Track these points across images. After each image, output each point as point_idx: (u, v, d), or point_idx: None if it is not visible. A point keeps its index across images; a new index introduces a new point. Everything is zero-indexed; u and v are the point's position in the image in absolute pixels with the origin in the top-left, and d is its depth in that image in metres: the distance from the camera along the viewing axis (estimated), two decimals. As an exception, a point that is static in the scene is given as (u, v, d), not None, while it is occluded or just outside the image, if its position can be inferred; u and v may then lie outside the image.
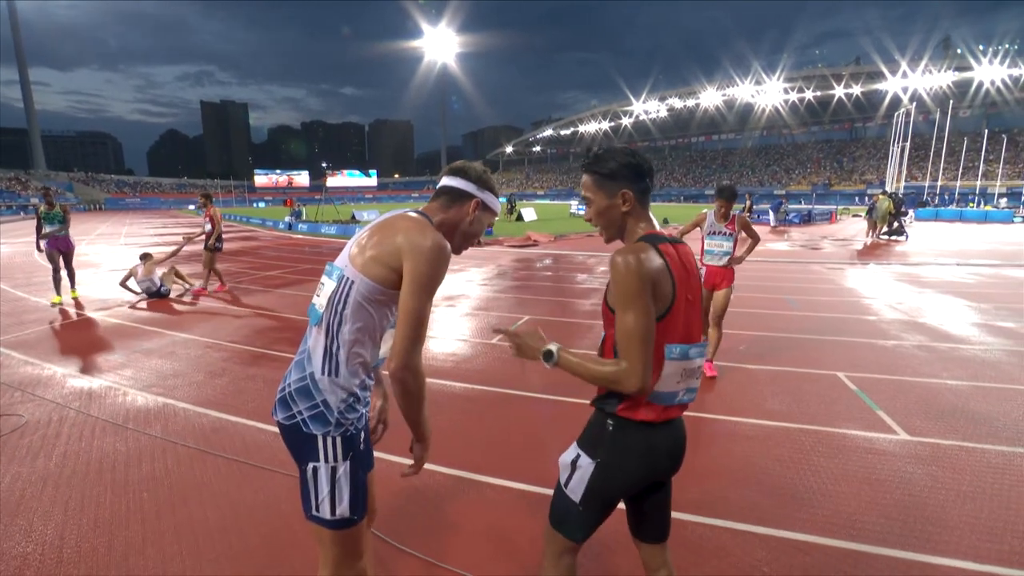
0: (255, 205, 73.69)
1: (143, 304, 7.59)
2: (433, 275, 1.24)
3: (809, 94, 68.86)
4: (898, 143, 37.21)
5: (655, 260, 1.26)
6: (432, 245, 1.24)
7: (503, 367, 4.67)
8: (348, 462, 1.30)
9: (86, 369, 4.71)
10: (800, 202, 46.76)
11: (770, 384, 4.23)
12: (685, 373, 1.34)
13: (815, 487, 2.74)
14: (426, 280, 1.23)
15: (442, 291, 8.41)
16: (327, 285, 1.33)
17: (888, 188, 31.29)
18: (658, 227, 1.41)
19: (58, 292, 7.62)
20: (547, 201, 78.83)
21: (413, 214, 1.35)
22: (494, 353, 5.10)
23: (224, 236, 9.92)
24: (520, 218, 26.72)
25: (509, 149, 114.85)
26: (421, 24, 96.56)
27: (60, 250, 7.65)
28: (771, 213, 24.57)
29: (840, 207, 41.31)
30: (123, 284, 8.16)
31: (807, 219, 25.92)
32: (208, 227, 8.34)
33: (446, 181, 1.44)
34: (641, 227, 1.38)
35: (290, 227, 24.32)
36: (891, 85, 59.87)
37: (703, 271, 4.40)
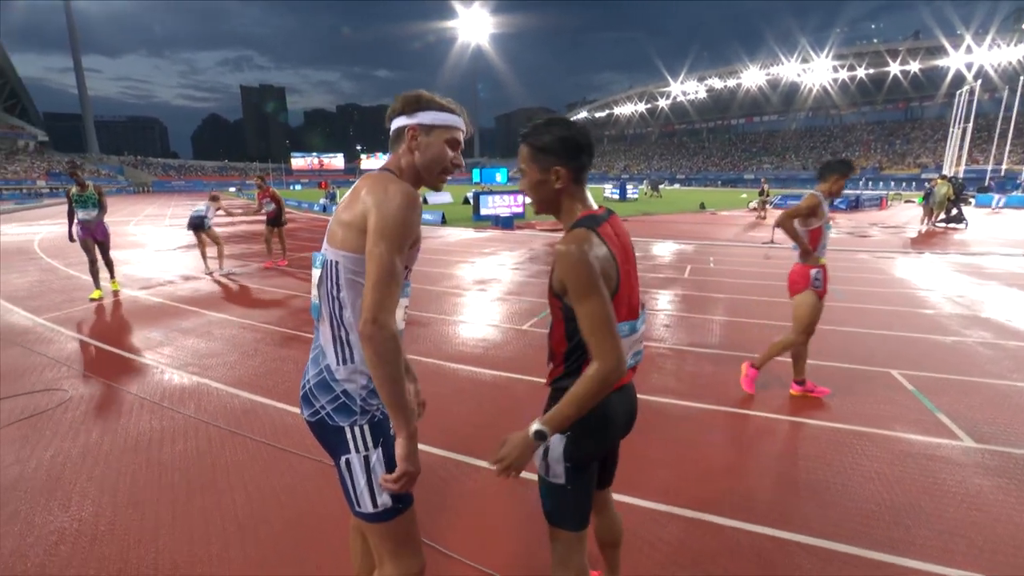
0: (291, 187, 75.25)
1: (182, 283, 7.81)
2: (397, 221, 1.15)
3: (861, 72, 65.12)
4: (959, 124, 34.78)
5: (600, 249, 1.27)
6: (391, 192, 1.18)
7: (535, 354, 4.56)
8: (380, 448, 1.26)
9: (128, 347, 4.84)
10: (847, 186, 44.53)
11: (817, 381, 3.98)
12: (633, 343, 1.41)
13: (869, 495, 2.53)
14: (389, 226, 1.14)
15: (473, 275, 8.34)
16: (315, 274, 1.29)
17: (947, 172, 29.39)
18: (594, 205, 1.41)
19: (97, 285, 6.76)
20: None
21: (376, 172, 1.28)
22: (525, 340, 4.99)
23: (260, 219, 10.18)
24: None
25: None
26: (455, 5, 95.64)
27: (96, 239, 6.67)
28: (816, 198, 23.43)
29: (892, 192, 39.16)
30: (191, 228, 8.74)
31: (855, 205, 24.64)
32: (271, 207, 9.27)
33: (390, 127, 1.35)
34: (578, 207, 1.37)
35: (324, 209, 24.74)
36: (953, 61, 55.93)
37: (818, 275, 3.61)
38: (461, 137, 1.35)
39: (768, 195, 19.98)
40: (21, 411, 3.48)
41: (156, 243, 13.00)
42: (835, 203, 23.55)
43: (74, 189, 6.52)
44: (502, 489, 2.59)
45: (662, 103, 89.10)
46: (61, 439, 3.11)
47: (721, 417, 3.39)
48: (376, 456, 1.25)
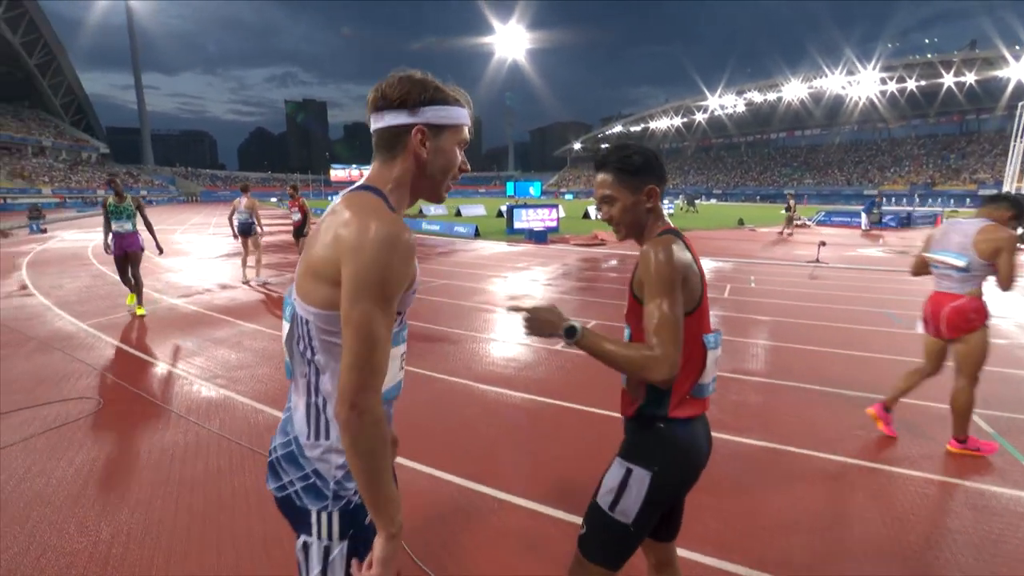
0: (329, 198, 77.33)
1: (219, 291, 7.95)
2: (379, 274, 0.88)
3: (911, 84, 62.48)
4: (1021, 137, 32.84)
5: (686, 253, 1.28)
6: (373, 233, 0.89)
7: (567, 377, 4.36)
8: (346, 542, 1.02)
9: (161, 356, 4.89)
10: (892, 202, 42.53)
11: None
12: (716, 362, 1.38)
13: (950, 560, 2.22)
14: (369, 282, 0.88)
15: (505, 290, 8.20)
16: (284, 327, 1.05)
17: (1008, 188, 27.67)
18: (670, 223, 1.40)
19: (134, 296, 6.52)
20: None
21: (357, 193, 1.00)
22: (557, 361, 4.80)
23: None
24: (587, 215, 26.07)
25: (577, 146, 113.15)
26: (492, 22, 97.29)
27: (126, 250, 6.29)
28: (863, 215, 22.37)
29: (948, 209, 37.20)
30: (229, 219, 8.81)
31: (906, 222, 23.44)
32: (297, 216, 9.36)
33: (374, 124, 1.02)
34: (660, 223, 1.38)
35: (361, 220, 25.15)
36: (1015, 71, 53.04)
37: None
38: (468, 136, 1.10)
39: (794, 211, 19.26)
40: (54, 419, 3.50)
41: (199, 251, 13.43)
42: (884, 221, 22.49)
43: (111, 199, 6.27)
44: (526, 528, 2.40)
45: (699, 117, 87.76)
46: (87, 451, 3.09)
47: (772, 456, 3.10)
48: (338, 550, 1.01)
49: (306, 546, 1.01)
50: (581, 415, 3.64)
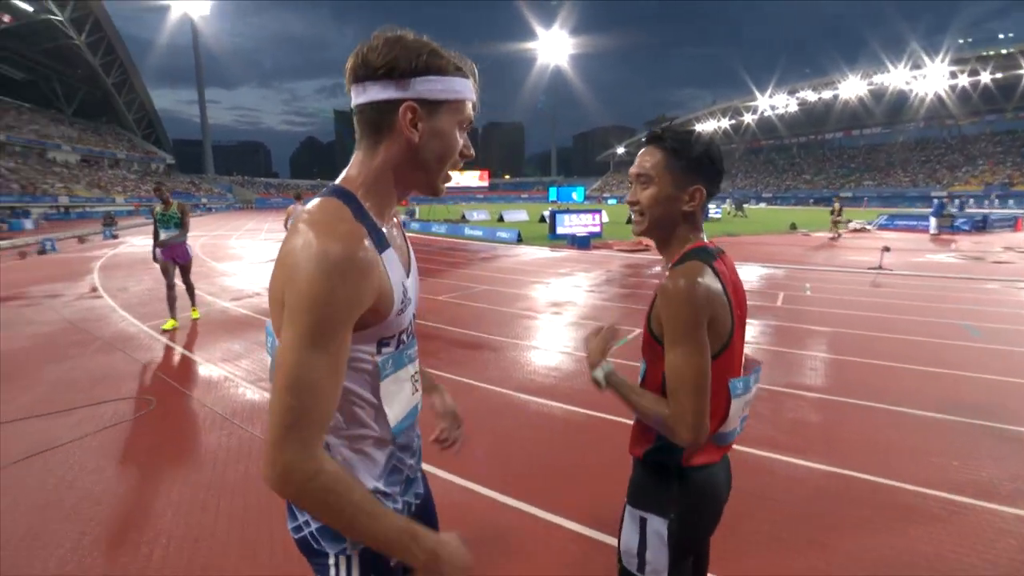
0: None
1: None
2: (311, 302, 0.71)
3: (985, 76, 58.07)
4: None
5: (714, 285, 1.08)
6: (312, 251, 0.72)
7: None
8: None
9: (211, 357, 5.06)
10: (968, 204, 39.52)
11: (956, 441, 3.29)
12: (745, 405, 1.22)
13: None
14: (301, 310, 0.72)
15: (547, 296, 8.08)
16: (269, 361, 0.91)
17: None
18: (706, 237, 1.21)
19: (172, 314, 6.22)
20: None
21: (319, 201, 0.82)
22: (598, 370, 4.63)
23: None
24: (631, 220, 25.55)
25: (620, 150, 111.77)
26: (535, 27, 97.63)
27: (176, 260, 6.27)
28: (931, 219, 20.86)
29: (1027, 212, 34.27)
30: (285, 223, 8.98)
31: (981, 225, 21.69)
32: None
33: (354, 99, 0.84)
34: (692, 236, 1.18)
35: (404, 225, 25.58)
36: (1104, 62, 48.47)
37: None
38: (472, 115, 0.89)
39: (841, 214, 18.25)
40: (110, 417, 3.65)
41: (252, 256, 14.00)
42: (955, 224, 20.93)
43: (158, 207, 6.19)
44: (566, 551, 2.28)
45: (748, 118, 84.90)
46: (137, 451, 3.20)
47: (838, 483, 2.84)
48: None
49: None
50: (628, 430, 3.47)
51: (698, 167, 1.13)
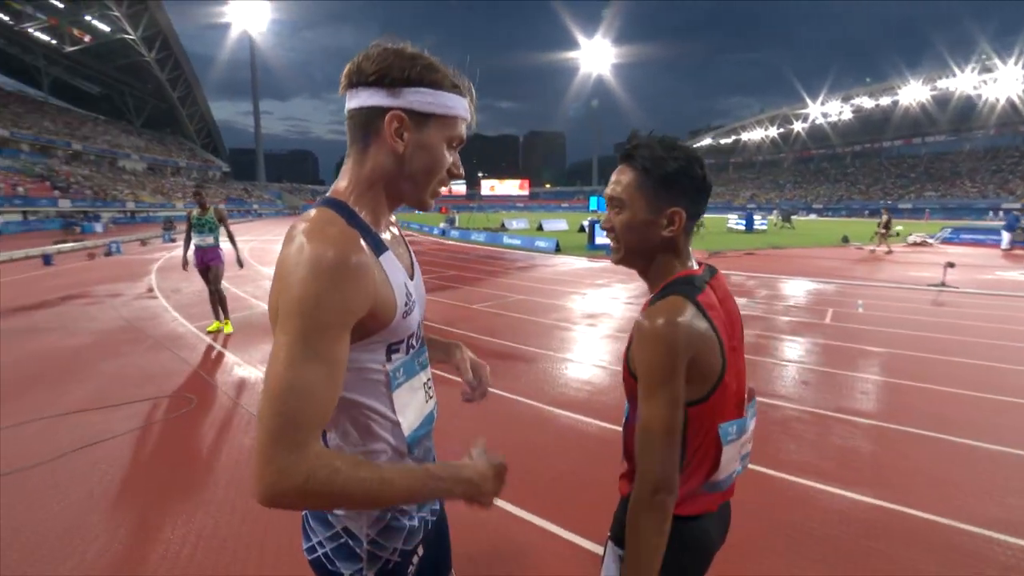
0: (417, 211, 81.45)
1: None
2: (301, 305, 0.70)
3: (1064, 82, 54.01)
4: None
5: (698, 325, 0.94)
6: (300, 259, 0.72)
7: (641, 405, 4.05)
8: None
9: (251, 359, 5.22)
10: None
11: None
12: (741, 447, 1.07)
13: None
14: (291, 314, 0.70)
15: (583, 308, 7.96)
16: None
17: None
18: (695, 264, 1.06)
19: (216, 316, 6.29)
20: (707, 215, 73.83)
21: (314, 210, 0.82)
22: (632, 386, 4.50)
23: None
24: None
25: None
26: (577, 36, 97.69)
27: (207, 264, 6.06)
28: (1003, 233, 19.40)
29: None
30: None
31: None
32: None
33: (347, 103, 0.84)
34: (676, 265, 1.04)
35: (443, 233, 26.04)
36: None
37: None
38: (465, 134, 0.89)
39: (889, 226, 17.12)
40: (154, 414, 3.81)
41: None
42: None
43: (195, 212, 6.02)
44: (588, 572, 2.18)
45: (797, 126, 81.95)
46: (177, 448, 3.31)
47: (891, 520, 2.62)
48: None
49: None
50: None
51: (674, 186, 0.99)
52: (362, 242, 0.78)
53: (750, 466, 3.06)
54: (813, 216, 61.61)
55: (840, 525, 2.55)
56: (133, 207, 44.88)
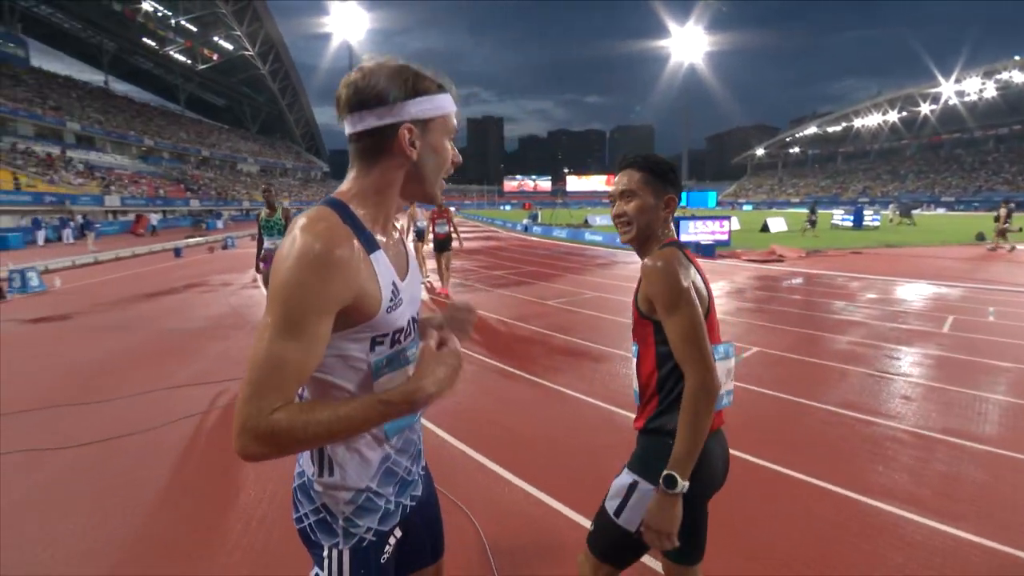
0: (501, 208, 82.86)
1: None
2: (284, 292, 0.77)
3: None
4: None
5: (688, 264, 1.30)
6: (287, 250, 0.79)
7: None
8: None
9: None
10: None
11: None
12: (727, 373, 1.39)
13: None
14: (274, 298, 0.78)
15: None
16: None
17: None
18: (675, 235, 1.43)
19: None
20: (801, 210, 67.99)
21: (312, 208, 0.87)
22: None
23: (466, 237, 11.02)
24: (766, 228, 23.36)
25: (760, 151, 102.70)
26: (668, 24, 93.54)
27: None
28: None
29: None
30: (409, 227, 9.47)
31: None
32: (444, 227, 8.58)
33: (350, 128, 0.89)
34: (667, 235, 1.40)
35: (526, 229, 26.24)
36: None
37: None
38: (456, 123, 0.97)
39: (1010, 222, 14.83)
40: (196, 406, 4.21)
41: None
42: None
43: (263, 212, 5.74)
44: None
45: (924, 109, 72.73)
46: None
47: (1011, 567, 2.26)
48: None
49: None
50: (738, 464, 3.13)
51: (669, 179, 1.37)
52: (353, 239, 0.84)
53: (826, 484, 2.80)
54: (940, 210, 54.53)
55: (932, 563, 2.24)
56: (248, 205, 49.91)
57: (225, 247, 18.55)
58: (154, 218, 30.19)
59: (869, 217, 26.78)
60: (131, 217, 31.58)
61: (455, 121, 0.95)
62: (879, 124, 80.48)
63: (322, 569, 0.96)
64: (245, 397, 0.76)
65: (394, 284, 0.92)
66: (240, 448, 0.75)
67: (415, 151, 0.90)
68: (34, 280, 9.74)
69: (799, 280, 10.25)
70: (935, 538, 2.40)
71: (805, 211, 25.52)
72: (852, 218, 26.58)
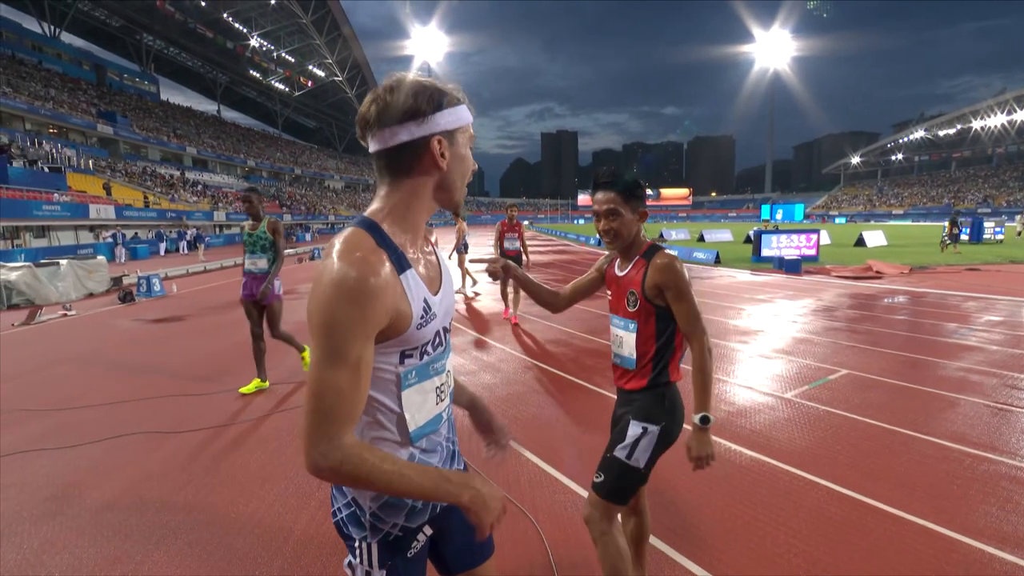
0: (575, 222, 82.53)
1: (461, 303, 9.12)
2: (322, 320, 0.83)
3: None
4: None
5: None
6: (321, 279, 0.85)
7: (800, 435, 3.59)
8: (384, 571, 1.02)
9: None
10: None
11: None
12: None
13: None
14: (315, 327, 0.84)
15: (737, 324, 7.30)
16: None
17: None
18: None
19: (259, 374, 4.61)
20: (907, 222, 61.71)
21: (344, 231, 0.92)
22: (786, 412, 4.00)
23: (539, 250, 11.15)
24: (861, 242, 21.48)
25: (855, 160, 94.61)
26: (752, 29, 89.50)
27: (255, 299, 4.38)
28: None
29: None
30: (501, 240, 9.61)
31: None
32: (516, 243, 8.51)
33: (379, 144, 0.93)
34: (645, 239, 1.77)
35: (599, 243, 25.97)
36: None
37: None
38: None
39: None
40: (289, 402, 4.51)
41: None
42: None
43: (246, 225, 4.44)
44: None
45: (1060, 107, 63.78)
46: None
47: None
48: (381, 575, 1.02)
49: (351, 566, 1.05)
50: (825, 493, 2.93)
51: (642, 196, 1.69)
52: (386, 262, 0.90)
53: (922, 520, 2.53)
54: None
55: (1060, 620, 1.96)
56: (333, 219, 53.48)
57: (312, 258, 19.96)
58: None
59: (991, 229, 23.86)
60: (235, 230, 34.95)
61: (471, 129, 1.02)
62: (1003, 125, 71.58)
63: (355, 557, 1.03)
64: (312, 426, 0.83)
65: (426, 301, 0.97)
66: (312, 471, 0.85)
67: (444, 161, 0.95)
68: (157, 286, 11.07)
69: (901, 299, 9.32)
70: (996, 567, 2.09)
71: (923, 223, 22.79)
72: (968, 230, 23.79)
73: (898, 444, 3.46)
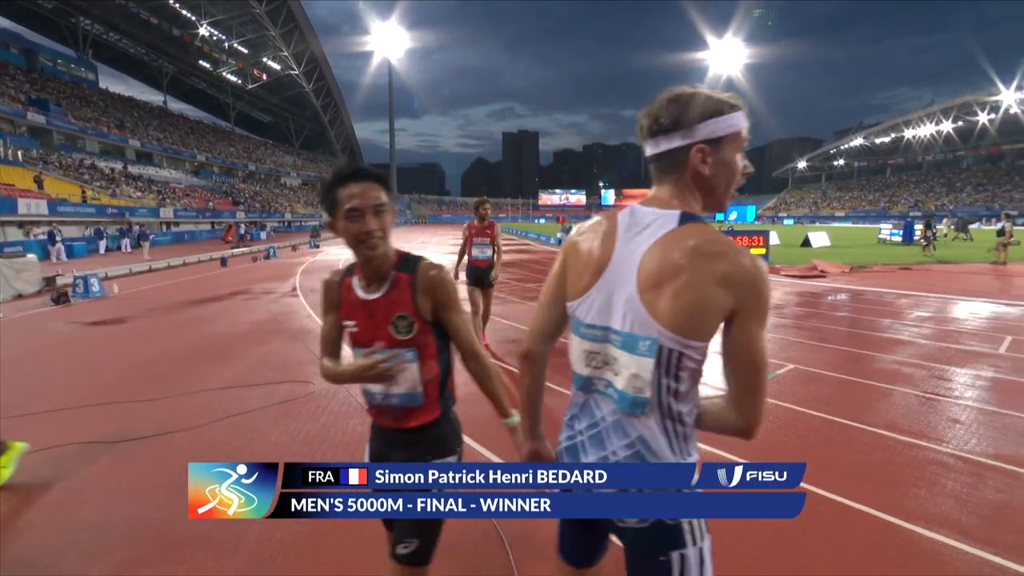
0: (536, 221, 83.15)
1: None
2: (769, 303, 1.04)
3: None
4: None
5: None
6: (759, 267, 0.99)
7: (816, 451, 3.73)
8: (709, 535, 1.12)
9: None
10: None
11: None
12: None
13: None
14: (766, 313, 1.03)
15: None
16: (633, 360, 1.08)
17: None
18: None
19: None
20: (847, 224, 65.36)
21: (693, 225, 1.00)
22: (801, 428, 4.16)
23: (505, 249, 10.99)
24: (807, 243, 22.61)
25: (802, 164, 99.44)
26: (706, 37, 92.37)
27: None
28: None
29: None
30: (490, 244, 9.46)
31: None
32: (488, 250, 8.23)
33: (651, 150, 1.06)
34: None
35: (559, 242, 26.27)
36: None
37: None
38: (748, 135, 1.07)
39: (1010, 235, 14.95)
40: (284, 395, 4.38)
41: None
42: None
43: None
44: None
45: (982, 118, 69.02)
46: (295, 426, 3.77)
47: (1050, 593, 2.12)
48: (707, 542, 1.09)
49: (683, 559, 1.05)
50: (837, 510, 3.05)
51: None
52: None
53: (863, 507, 2.68)
54: (1001, 224, 51.27)
55: (978, 593, 2.12)
56: (290, 217, 51.78)
57: (267, 257, 19.31)
58: (242, 227, 32.04)
59: (921, 234, 25.54)
60: (182, 228, 33.32)
61: (746, 136, 1.05)
62: (932, 135, 76.90)
63: (683, 545, 1.08)
64: (762, 399, 1.00)
65: None
66: (757, 434, 1.02)
67: (707, 167, 1.01)
68: (95, 286, 10.41)
69: (842, 296, 9.87)
70: (981, 568, 2.27)
71: (862, 225, 24.06)
72: (900, 232, 25.41)
73: (838, 433, 3.66)
